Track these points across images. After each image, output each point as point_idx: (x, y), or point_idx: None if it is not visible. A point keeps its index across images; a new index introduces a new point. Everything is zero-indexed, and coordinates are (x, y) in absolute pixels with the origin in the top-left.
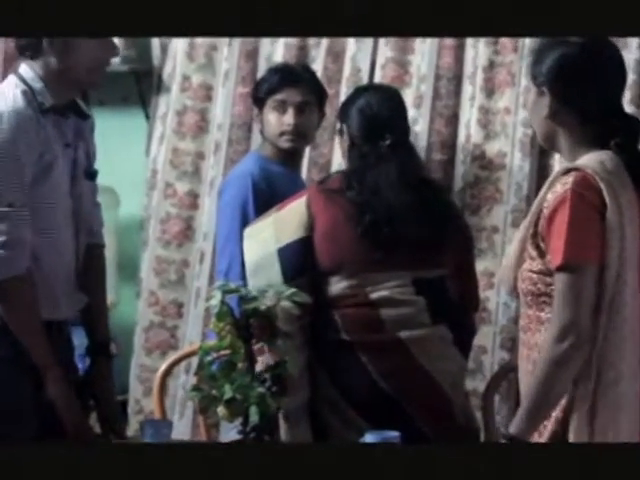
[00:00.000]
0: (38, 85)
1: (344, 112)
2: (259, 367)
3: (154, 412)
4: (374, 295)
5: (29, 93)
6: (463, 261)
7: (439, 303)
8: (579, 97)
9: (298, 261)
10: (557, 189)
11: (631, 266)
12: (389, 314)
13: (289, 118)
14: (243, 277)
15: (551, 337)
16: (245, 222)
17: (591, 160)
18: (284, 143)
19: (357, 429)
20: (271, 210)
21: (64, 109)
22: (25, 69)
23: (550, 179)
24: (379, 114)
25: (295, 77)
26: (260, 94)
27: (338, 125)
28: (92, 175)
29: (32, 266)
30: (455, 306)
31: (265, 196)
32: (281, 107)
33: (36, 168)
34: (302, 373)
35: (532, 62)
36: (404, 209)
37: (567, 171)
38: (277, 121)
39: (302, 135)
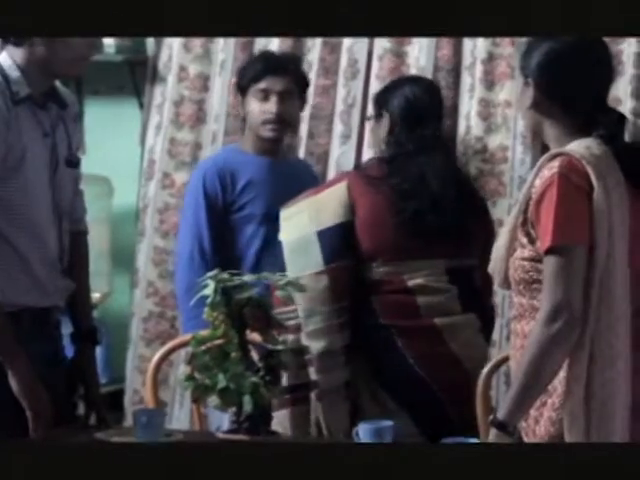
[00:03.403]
0: (15, 74)
1: (385, 99)
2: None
3: (159, 402)
4: (411, 282)
5: (2, 83)
6: (486, 252)
7: (469, 292)
8: (562, 90)
9: (338, 245)
10: (544, 174)
11: (620, 246)
12: (424, 301)
13: (272, 106)
14: (190, 271)
15: (543, 317)
16: (196, 215)
17: (577, 145)
18: (267, 132)
19: (389, 412)
20: (305, 193)
21: (42, 98)
22: (4, 57)
23: (537, 165)
24: (424, 103)
25: (278, 66)
26: (243, 82)
27: (372, 111)
28: (74, 163)
29: (13, 256)
30: (481, 295)
31: (218, 188)
32: (263, 96)
33: (5, 160)
34: (339, 354)
35: (522, 54)
36: (446, 199)
37: (553, 156)
38: (259, 109)
39: (285, 123)
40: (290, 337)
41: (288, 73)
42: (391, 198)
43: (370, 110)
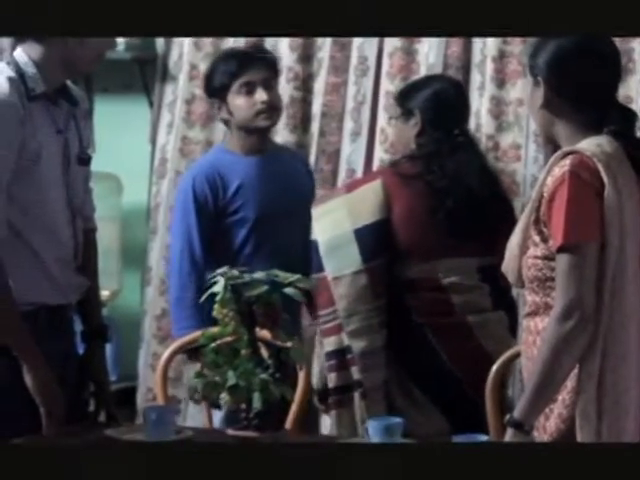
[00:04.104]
0: (31, 70)
1: (413, 97)
2: (328, 347)
3: (169, 399)
4: (446, 280)
5: (16, 80)
6: None
7: (498, 289)
8: (572, 87)
9: (376, 243)
10: (555, 172)
11: (632, 244)
12: (458, 299)
13: (261, 96)
14: (180, 278)
15: (556, 316)
16: (186, 221)
17: (588, 144)
18: (262, 122)
19: (421, 409)
20: (337, 190)
21: (55, 95)
22: (20, 54)
23: (549, 164)
24: (456, 101)
25: (253, 57)
26: (222, 82)
27: (398, 110)
28: (85, 160)
29: (28, 255)
30: (508, 292)
31: (208, 193)
32: (248, 89)
33: (20, 157)
34: (379, 352)
35: (530, 54)
36: (480, 197)
37: (565, 155)
38: (248, 102)
39: (276, 109)
40: (332, 338)
41: (264, 62)
42: (427, 196)
43: (383, 108)
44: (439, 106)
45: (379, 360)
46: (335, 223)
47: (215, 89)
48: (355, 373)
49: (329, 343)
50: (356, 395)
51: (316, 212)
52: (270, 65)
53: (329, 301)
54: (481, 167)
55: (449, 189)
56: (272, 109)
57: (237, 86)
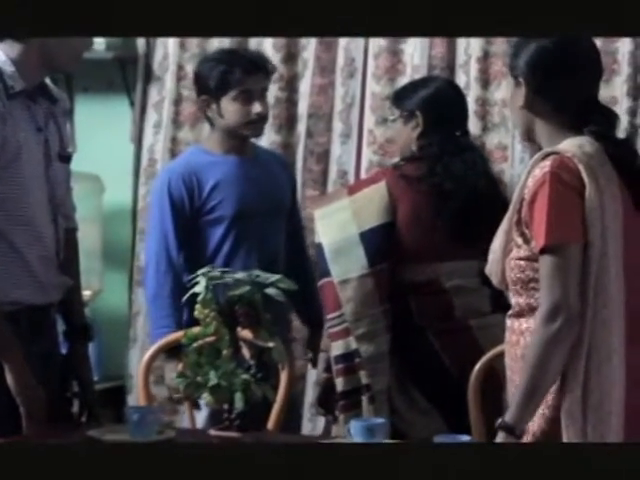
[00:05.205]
0: (9, 69)
1: (413, 98)
2: (335, 351)
3: (158, 400)
4: (448, 284)
5: None
6: None
7: (497, 292)
8: (553, 87)
9: (382, 246)
10: (536, 174)
11: (614, 244)
12: (460, 302)
13: (256, 107)
14: (157, 278)
15: (541, 318)
16: (162, 222)
17: (569, 144)
18: (250, 131)
19: (422, 412)
20: (337, 191)
21: (34, 93)
22: None
23: (529, 165)
24: (457, 103)
25: (254, 65)
26: (221, 84)
27: (396, 111)
28: (66, 158)
29: (10, 253)
30: (504, 296)
31: (184, 193)
32: (246, 96)
33: (1, 154)
34: (386, 356)
35: (511, 54)
36: (485, 198)
37: (545, 156)
38: (242, 110)
39: (266, 120)
40: (339, 342)
41: (263, 70)
42: (432, 198)
43: (370, 109)
44: (441, 107)
45: (385, 364)
46: (340, 226)
47: (210, 89)
48: (363, 377)
49: (336, 347)
50: (364, 399)
51: (318, 214)
52: (270, 75)
53: (336, 305)
54: (484, 168)
55: (454, 191)
56: (262, 120)
57: (236, 92)
